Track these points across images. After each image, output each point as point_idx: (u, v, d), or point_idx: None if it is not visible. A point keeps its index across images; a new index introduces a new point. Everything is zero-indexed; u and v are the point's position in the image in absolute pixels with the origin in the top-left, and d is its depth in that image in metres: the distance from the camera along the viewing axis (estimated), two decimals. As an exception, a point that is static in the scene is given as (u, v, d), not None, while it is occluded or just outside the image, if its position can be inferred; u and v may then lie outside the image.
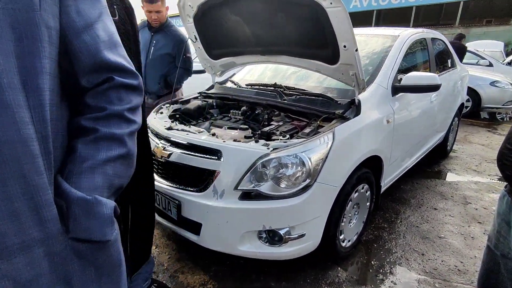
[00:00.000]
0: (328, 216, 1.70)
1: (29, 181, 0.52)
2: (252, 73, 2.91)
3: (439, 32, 3.51)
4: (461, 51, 5.94)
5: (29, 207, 0.52)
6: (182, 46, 2.69)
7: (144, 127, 1.47)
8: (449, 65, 3.49)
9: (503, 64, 7.38)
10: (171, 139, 1.82)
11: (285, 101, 2.10)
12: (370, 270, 1.91)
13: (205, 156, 1.66)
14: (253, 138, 1.73)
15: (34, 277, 0.55)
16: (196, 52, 2.54)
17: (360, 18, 15.58)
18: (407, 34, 2.56)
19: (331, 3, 1.56)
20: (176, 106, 2.43)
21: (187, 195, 1.68)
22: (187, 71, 2.89)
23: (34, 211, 0.53)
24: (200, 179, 1.67)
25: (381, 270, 1.91)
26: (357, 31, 2.57)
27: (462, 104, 3.75)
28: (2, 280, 0.51)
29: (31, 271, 0.54)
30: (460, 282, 1.81)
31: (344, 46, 1.69)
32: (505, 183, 1.08)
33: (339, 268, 1.91)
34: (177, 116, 2.24)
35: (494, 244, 1.10)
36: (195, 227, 1.69)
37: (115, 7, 1.20)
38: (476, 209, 2.62)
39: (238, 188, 1.58)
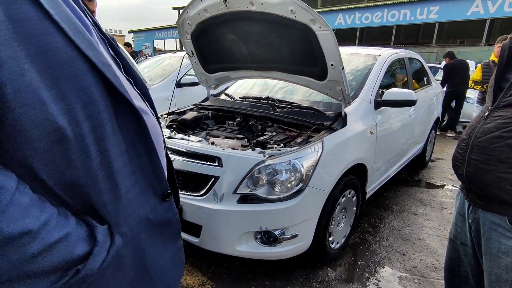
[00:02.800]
0: (318, 218, 1.85)
1: None
2: (244, 87, 3.08)
3: (418, 50, 3.83)
4: (466, 68, 5.61)
5: None
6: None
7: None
8: (425, 82, 3.79)
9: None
10: (173, 147, 1.94)
11: (278, 113, 2.27)
12: (357, 270, 2.06)
13: (206, 163, 1.79)
14: (249, 146, 1.88)
15: None
16: (192, 66, 2.69)
17: (345, 35, 16.28)
18: (387, 54, 2.81)
19: (320, 27, 1.76)
20: (173, 117, 2.56)
21: (189, 199, 1.80)
22: None
23: None
24: (201, 184, 1.80)
25: (367, 270, 2.07)
26: (342, 49, 2.78)
27: (438, 118, 4.04)
28: None
29: None
30: (436, 278, 1.99)
31: (332, 65, 1.89)
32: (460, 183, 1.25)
33: (328, 268, 2.05)
34: (174, 126, 2.37)
35: (454, 235, 1.28)
36: (196, 230, 1.80)
37: None
38: (451, 213, 2.84)
39: (237, 192, 1.72)
